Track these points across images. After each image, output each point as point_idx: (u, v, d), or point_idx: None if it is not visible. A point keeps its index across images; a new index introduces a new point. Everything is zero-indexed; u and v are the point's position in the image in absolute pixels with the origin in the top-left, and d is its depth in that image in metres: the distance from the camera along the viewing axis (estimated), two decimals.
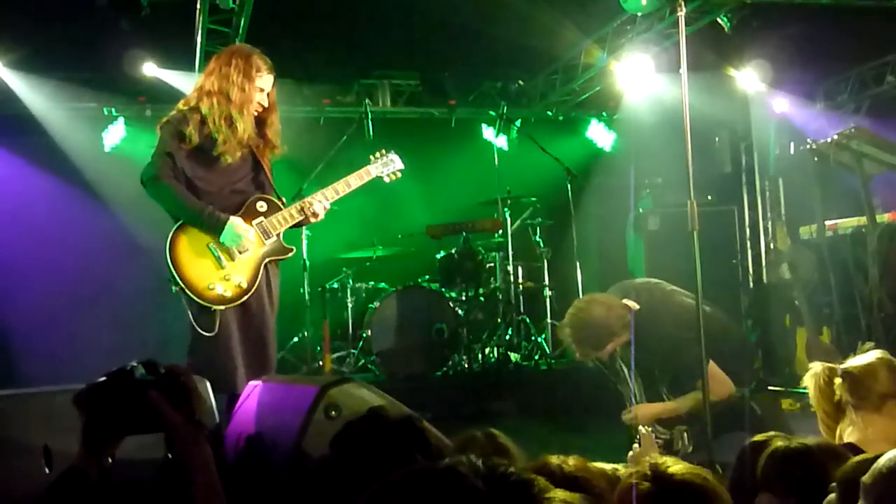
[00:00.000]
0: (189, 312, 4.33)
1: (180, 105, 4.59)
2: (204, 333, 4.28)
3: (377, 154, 5.10)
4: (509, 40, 8.53)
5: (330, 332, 7.91)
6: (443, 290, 8.04)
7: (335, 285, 8.36)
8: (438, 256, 8.25)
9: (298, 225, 4.75)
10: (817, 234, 7.31)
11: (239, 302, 4.40)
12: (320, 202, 4.66)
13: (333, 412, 2.90)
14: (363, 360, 8.08)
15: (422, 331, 7.76)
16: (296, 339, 8.31)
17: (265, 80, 4.59)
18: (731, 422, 4.49)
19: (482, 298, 8.29)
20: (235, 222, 4.40)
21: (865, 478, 1.74)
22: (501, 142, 9.24)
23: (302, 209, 4.61)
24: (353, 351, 8.08)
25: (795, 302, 7.81)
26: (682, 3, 4.25)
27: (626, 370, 5.01)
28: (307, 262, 7.83)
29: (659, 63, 8.54)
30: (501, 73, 9.97)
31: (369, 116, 8.19)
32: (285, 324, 8.57)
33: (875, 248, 6.44)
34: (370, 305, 7.96)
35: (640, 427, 4.66)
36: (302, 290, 7.88)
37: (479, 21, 8.06)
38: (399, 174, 5.16)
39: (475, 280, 8.10)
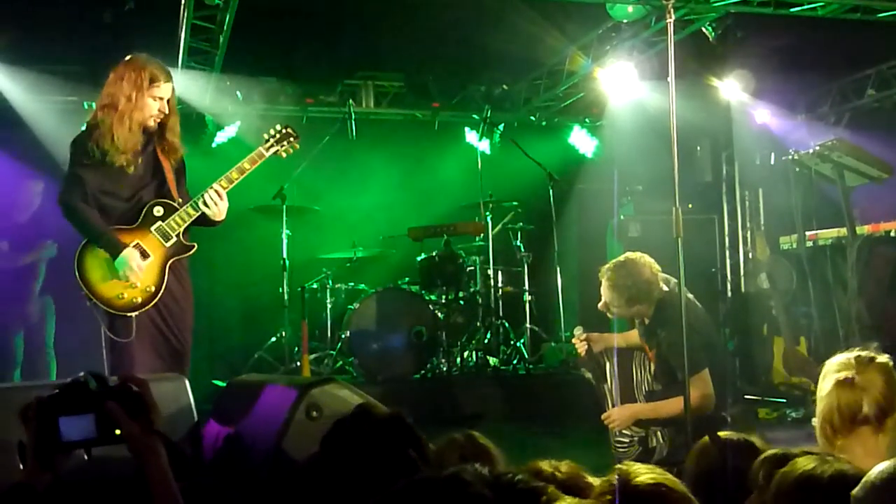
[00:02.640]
0: (103, 323, 4.54)
1: (87, 120, 4.80)
2: (121, 340, 4.49)
3: (270, 132, 5.14)
4: (494, 44, 8.53)
5: (308, 333, 7.86)
6: (423, 292, 8.02)
7: (314, 286, 8.32)
8: (419, 259, 8.23)
9: (204, 222, 4.82)
10: (797, 244, 7.35)
11: (150, 305, 4.59)
12: (211, 195, 4.74)
13: (315, 412, 2.87)
14: (341, 362, 8.04)
15: (401, 333, 7.73)
16: (273, 339, 8.27)
17: (163, 88, 4.72)
18: (703, 429, 4.50)
19: (462, 302, 8.28)
20: (128, 254, 4.55)
21: (856, 491, 1.74)
22: (484, 145, 9.24)
23: (196, 205, 4.73)
24: (331, 352, 8.04)
25: (773, 312, 7.86)
26: (671, 12, 4.25)
27: (609, 367, 5.06)
28: (287, 262, 7.79)
29: (642, 71, 8.57)
30: (485, 76, 9.97)
31: (352, 117, 8.20)
32: (263, 324, 8.57)
33: (854, 259, 6.48)
34: (349, 306, 7.92)
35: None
36: (281, 290, 7.84)
37: (464, 25, 8.06)
38: (297, 145, 5.21)
39: (455, 283, 8.08)
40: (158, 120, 4.76)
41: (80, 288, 4.55)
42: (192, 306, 4.86)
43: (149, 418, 1.99)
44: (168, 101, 4.77)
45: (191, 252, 4.79)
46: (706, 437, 2.75)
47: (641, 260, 4.89)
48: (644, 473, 1.95)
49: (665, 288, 4.88)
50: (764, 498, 2.17)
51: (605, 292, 4.94)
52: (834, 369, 2.93)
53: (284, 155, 5.19)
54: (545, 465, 2.24)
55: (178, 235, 4.71)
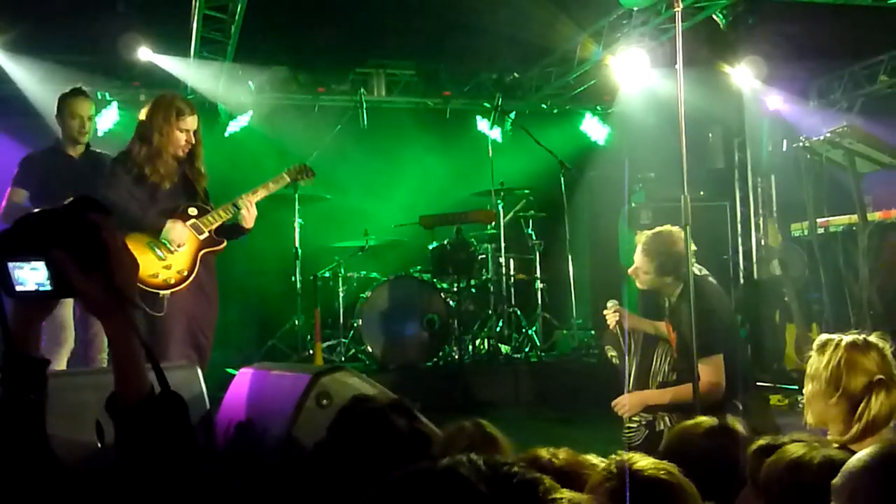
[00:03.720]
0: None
1: (129, 145, 5.35)
2: (154, 314, 4.98)
3: (293, 167, 5.93)
4: (505, 32, 8.53)
5: (321, 321, 7.89)
6: (434, 280, 8.05)
7: (327, 274, 8.35)
8: (431, 247, 8.25)
9: (235, 229, 5.42)
10: (808, 231, 7.33)
11: (182, 286, 5.11)
12: (245, 201, 5.35)
13: (325, 400, 2.91)
14: (354, 350, 8.08)
15: (413, 321, 7.77)
16: (286, 326, 8.31)
17: (188, 121, 5.28)
18: (712, 415, 4.51)
19: (474, 290, 8.30)
20: (170, 226, 5.13)
21: (836, 480, 1.75)
22: (496, 133, 9.25)
23: (230, 207, 5.35)
24: (343, 340, 8.07)
25: (785, 298, 7.85)
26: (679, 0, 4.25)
27: (634, 348, 5.09)
28: (299, 251, 7.82)
29: (654, 58, 8.55)
30: (497, 64, 9.97)
31: (364, 105, 8.22)
32: (276, 312, 8.61)
33: (866, 246, 6.46)
34: (362, 295, 7.96)
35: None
36: (293, 279, 7.87)
37: (475, 12, 8.05)
38: (312, 180, 6.09)
39: (467, 271, 8.10)
40: (187, 150, 5.30)
41: None
42: (218, 306, 5.40)
43: (110, 272, 1.56)
44: (194, 132, 5.32)
45: (221, 247, 5.35)
46: (682, 423, 2.78)
47: (680, 234, 4.91)
48: (642, 461, 1.97)
49: (696, 271, 4.92)
50: (758, 487, 2.19)
51: (637, 257, 5.00)
52: (864, 365, 2.92)
53: (303, 183, 6.13)
54: (543, 452, 2.26)
55: (210, 231, 5.28)
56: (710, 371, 4.66)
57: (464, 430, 2.72)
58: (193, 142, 5.32)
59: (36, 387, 1.65)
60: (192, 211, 5.29)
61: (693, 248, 4.92)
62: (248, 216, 5.36)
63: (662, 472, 1.97)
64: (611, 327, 5.15)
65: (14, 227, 1.59)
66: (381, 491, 1.16)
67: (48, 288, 1.59)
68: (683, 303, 4.87)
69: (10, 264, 1.59)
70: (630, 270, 5.08)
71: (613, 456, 2.04)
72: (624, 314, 5.15)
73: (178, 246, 5.12)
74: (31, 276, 1.59)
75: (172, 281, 5.08)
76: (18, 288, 1.60)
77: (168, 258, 5.10)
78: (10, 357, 1.63)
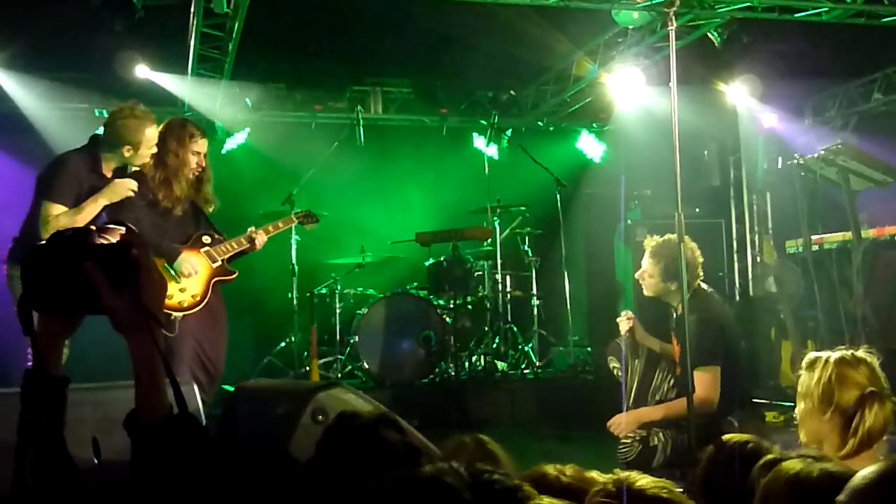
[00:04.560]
0: None
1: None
2: (166, 334, 4.96)
3: (300, 211, 6.40)
4: (501, 50, 8.56)
5: (317, 338, 7.89)
6: (431, 297, 8.06)
7: (323, 291, 8.36)
8: (427, 264, 8.27)
9: (244, 253, 5.62)
10: (803, 248, 7.35)
11: (195, 310, 5.25)
12: (259, 236, 5.59)
13: (321, 416, 2.91)
14: (350, 366, 8.09)
15: (409, 338, 7.78)
16: (283, 343, 8.31)
17: (199, 143, 5.40)
18: (709, 434, 4.53)
19: (470, 306, 8.31)
20: (185, 256, 5.28)
21: (840, 497, 1.75)
22: (492, 151, 9.29)
23: (241, 241, 5.54)
24: (340, 357, 8.08)
25: (781, 315, 7.86)
26: (673, 18, 4.30)
27: (638, 362, 5.12)
28: (296, 267, 7.83)
29: (649, 76, 8.58)
30: (493, 82, 10.01)
31: (361, 123, 8.24)
32: (272, 328, 8.61)
33: (860, 263, 6.49)
34: (358, 311, 7.97)
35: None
36: (290, 295, 7.88)
37: (471, 30, 8.09)
38: (315, 226, 6.50)
39: (463, 288, 8.11)
40: (197, 173, 5.42)
41: None
42: (227, 334, 5.55)
43: (138, 288, 1.58)
44: (204, 155, 5.43)
45: (232, 277, 5.52)
46: (716, 442, 2.77)
47: (688, 243, 4.96)
48: (641, 480, 1.98)
49: (703, 286, 5.00)
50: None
51: (645, 260, 5.10)
52: (855, 379, 2.94)
53: (308, 228, 6.49)
54: (550, 469, 2.26)
55: (223, 260, 5.45)
56: (704, 383, 4.68)
57: (464, 446, 2.71)
58: (204, 165, 5.44)
59: (56, 403, 1.67)
60: (206, 239, 5.44)
61: (700, 259, 4.98)
62: (256, 248, 5.61)
63: (663, 490, 1.97)
64: (623, 333, 5.20)
65: (48, 241, 1.60)
66: (367, 498, 1.18)
67: (76, 304, 1.60)
68: (689, 315, 4.90)
69: (42, 277, 1.59)
70: (637, 274, 5.16)
71: (611, 475, 2.04)
72: (636, 326, 5.21)
73: (190, 275, 5.26)
74: (61, 292, 1.59)
75: (186, 304, 5.22)
76: (49, 302, 1.60)
77: (183, 281, 5.24)
78: (34, 374, 1.64)
